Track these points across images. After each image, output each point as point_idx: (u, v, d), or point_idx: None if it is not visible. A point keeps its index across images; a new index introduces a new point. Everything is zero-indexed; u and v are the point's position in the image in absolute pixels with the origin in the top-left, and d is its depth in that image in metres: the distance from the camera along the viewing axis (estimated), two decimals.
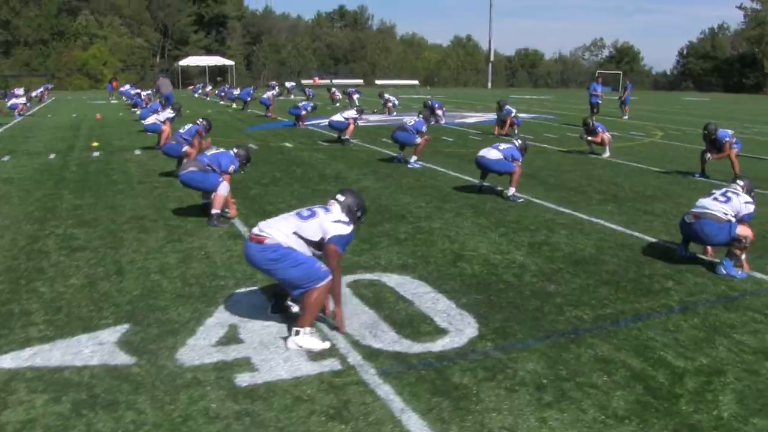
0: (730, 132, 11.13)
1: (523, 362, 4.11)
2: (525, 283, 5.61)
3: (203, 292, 5.34)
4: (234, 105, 28.78)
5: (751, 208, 6.05)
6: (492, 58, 63.66)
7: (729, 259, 5.90)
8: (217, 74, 62.04)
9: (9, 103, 22.91)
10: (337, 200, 4.64)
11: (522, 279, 5.71)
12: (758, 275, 5.89)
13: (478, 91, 57.87)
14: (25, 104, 22.80)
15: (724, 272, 5.86)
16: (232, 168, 7.58)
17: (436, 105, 20.57)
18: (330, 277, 4.30)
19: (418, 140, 11.72)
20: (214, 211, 7.45)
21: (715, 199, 6.07)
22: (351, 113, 14.95)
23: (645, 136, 18.60)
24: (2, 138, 16.73)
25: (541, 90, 64.72)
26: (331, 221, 4.43)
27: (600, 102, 22.07)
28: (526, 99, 41.39)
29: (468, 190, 9.69)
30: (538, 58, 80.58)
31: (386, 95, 25.11)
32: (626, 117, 24.12)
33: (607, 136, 13.74)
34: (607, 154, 13.67)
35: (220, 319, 4.78)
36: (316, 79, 59.57)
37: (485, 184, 9.58)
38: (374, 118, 22.17)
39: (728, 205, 5.98)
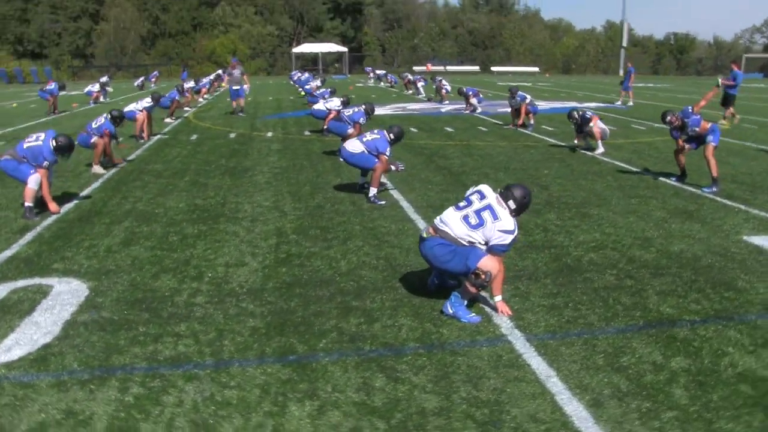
0: (699, 118, 8.66)
1: None
2: (189, 304, 4.76)
3: None
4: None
5: (507, 239, 4.32)
6: (625, 43, 58.34)
7: (459, 296, 4.46)
8: (334, 60, 63.46)
9: (85, 90, 24.70)
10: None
11: (187, 301, 4.84)
12: (505, 322, 4.40)
13: (605, 79, 53.45)
14: (98, 92, 24.39)
15: (450, 311, 4.45)
16: (46, 163, 7.32)
17: (471, 93, 19.15)
18: None
19: (350, 130, 10.70)
20: (26, 204, 7.28)
21: (466, 218, 4.43)
22: (334, 103, 13.63)
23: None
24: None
25: (685, 78, 58.38)
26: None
27: (734, 93, 16.74)
28: (635, 86, 37.40)
29: (351, 189, 8.68)
30: (689, 43, 72.60)
31: (439, 78, 23.69)
32: (630, 104, 22.64)
33: (599, 128, 11.75)
34: (600, 150, 11.71)
35: None
36: (429, 65, 58.65)
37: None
38: (416, 106, 21.17)
39: (478, 231, 4.39)
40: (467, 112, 19.11)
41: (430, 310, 4.62)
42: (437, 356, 3.93)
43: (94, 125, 10.17)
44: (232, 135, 14.39)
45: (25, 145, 7.38)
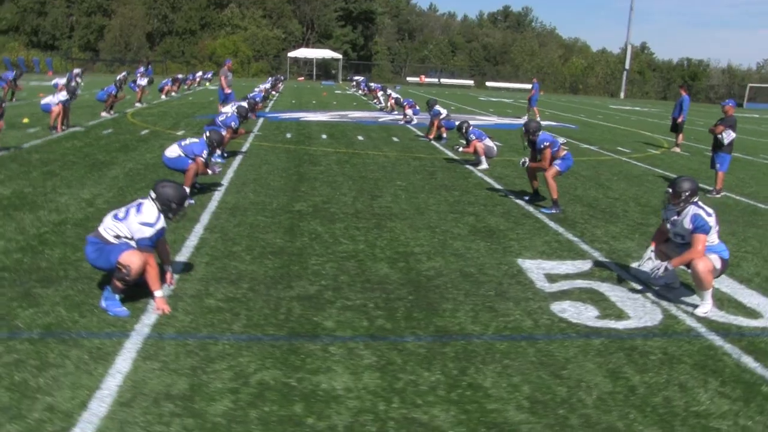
0: (558, 141, 8.76)
1: None
2: None
3: None
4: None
5: (147, 232, 4.61)
6: (627, 66, 58.24)
7: (110, 289, 4.63)
8: (329, 66, 64.08)
9: (52, 82, 25.23)
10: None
11: None
12: (151, 319, 4.57)
13: (605, 101, 53.21)
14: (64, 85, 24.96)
15: (103, 305, 4.63)
16: None
17: (407, 103, 19.47)
18: None
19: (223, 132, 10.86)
20: None
21: (116, 214, 4.77)
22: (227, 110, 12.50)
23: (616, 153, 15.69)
24: None
25: (696, 105, 57.67)
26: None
27: (678, 120, 16.67)
28: (612, 109, 37.25)
29: None
30: (702, 69, 72.11)
31: (388, 89, 24.06)
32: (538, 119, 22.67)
33: (483, 144, 11.91)
34: (484, 166, 11.86)
35: None
36: (423, 77, 59.09)
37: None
38: (357, 114, 21.62)
39: (122, 223, 4.69)
40: (402, 122, 19.36)
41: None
42: (42, 343, 4.11)
43: None
44: (144, 132, 14.73)
45: None
